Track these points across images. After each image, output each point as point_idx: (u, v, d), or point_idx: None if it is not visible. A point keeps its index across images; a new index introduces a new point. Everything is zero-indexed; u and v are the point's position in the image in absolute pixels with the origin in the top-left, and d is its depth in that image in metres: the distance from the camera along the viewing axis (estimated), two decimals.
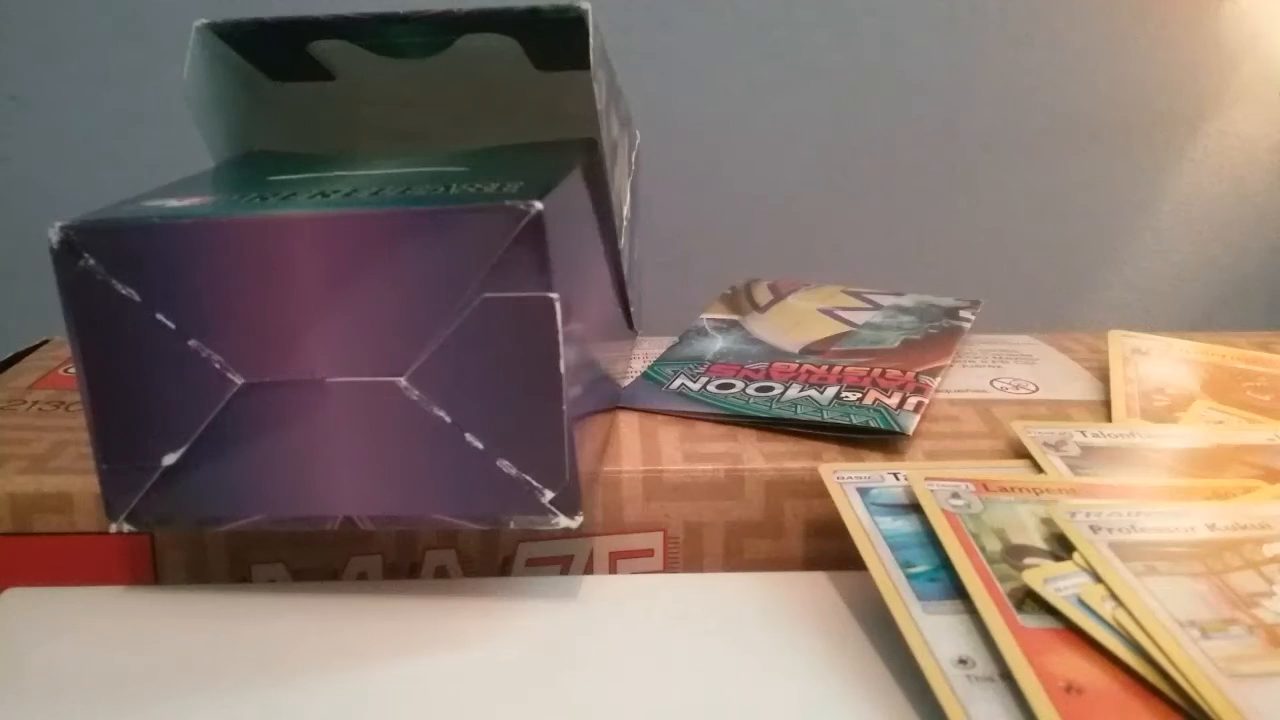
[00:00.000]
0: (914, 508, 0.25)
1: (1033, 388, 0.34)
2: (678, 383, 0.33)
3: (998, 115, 0.62)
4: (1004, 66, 0.61)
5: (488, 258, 0.21)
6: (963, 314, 0.39)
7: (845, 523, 0.25)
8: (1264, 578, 0.21)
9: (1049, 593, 0.21)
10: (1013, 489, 0.25)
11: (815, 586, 0.25)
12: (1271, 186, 0.64)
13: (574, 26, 0.27)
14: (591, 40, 0.26)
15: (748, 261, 0.64)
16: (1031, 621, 0.20)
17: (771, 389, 0.32)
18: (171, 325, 0.22)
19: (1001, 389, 0.34)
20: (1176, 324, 0.67)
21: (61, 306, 0.22)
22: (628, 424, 0.31)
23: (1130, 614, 0.20)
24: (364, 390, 0.22)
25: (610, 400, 0.30)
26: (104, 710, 0.21)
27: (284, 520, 0.23)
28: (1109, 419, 0.31)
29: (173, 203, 0.23)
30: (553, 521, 0.23)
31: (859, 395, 0.31)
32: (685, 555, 0.28)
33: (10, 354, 0.37)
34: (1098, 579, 0.21)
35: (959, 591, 0.22)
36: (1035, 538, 0.23)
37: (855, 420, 0.29)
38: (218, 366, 0.22)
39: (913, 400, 0.31)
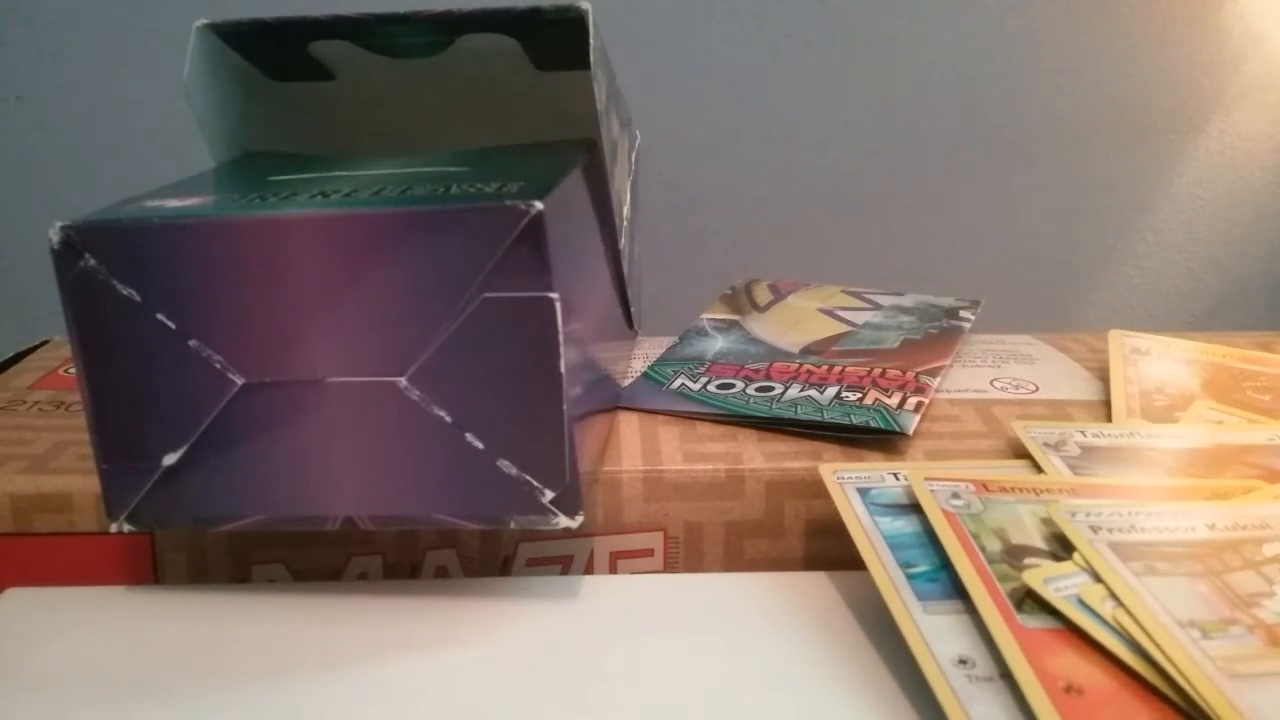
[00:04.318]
0: (914, 508, 0.25)
1: (1033, 388, 0.34)
2: (678, 383, 0.33)
3: (998, 115, 0.62)
4: (1004, 66, 0.61)
5: (488, 258, 0.21)
6: (963, 314, 0.39)
7: (845, 523, 0.25)
8: (1264, 578, 0.21)
9: (1049, 593, 0.21)
10: (1013, 489, 0.25)
11: (815, 586, 0.25)
12: (1272, 186, 0.64)
13: (574, 26, 0.27)
14: (591, 40, 0.26)
15: (748, 261, 0.64)
16: (1031, 621, 0.20)
17: (771, 389, 0.32)
18: (171, 325, 0.22)
19: (1001, 389, 0.34)
20: (1176, 324, 0.67)
21: (61, 306, 0.22)
22: (628, 424, 0.31)
23: (1130, 614, 0.20)
24: (364, 390, 0.22)
25: (610, 400, 0.30)
26: (104, 710, 0.21)
27: (284, 520, 0.23)
28: (1109, 419, 0.31)
29: (173, 203, 0.23)
30: (553, 521, 0.23)
31: (859, 395, 0.31)
32: (685, 555, 0.28)
33: (10, 354, 0.37)
34: (1098, 579, 0.21)
35: (959, 591, 0.22)
36: (1035, 538, 0.23)
37: (855, 420, 0.29)
38: (218, 366, 0.22)
39: (913, 400, 0.31)
